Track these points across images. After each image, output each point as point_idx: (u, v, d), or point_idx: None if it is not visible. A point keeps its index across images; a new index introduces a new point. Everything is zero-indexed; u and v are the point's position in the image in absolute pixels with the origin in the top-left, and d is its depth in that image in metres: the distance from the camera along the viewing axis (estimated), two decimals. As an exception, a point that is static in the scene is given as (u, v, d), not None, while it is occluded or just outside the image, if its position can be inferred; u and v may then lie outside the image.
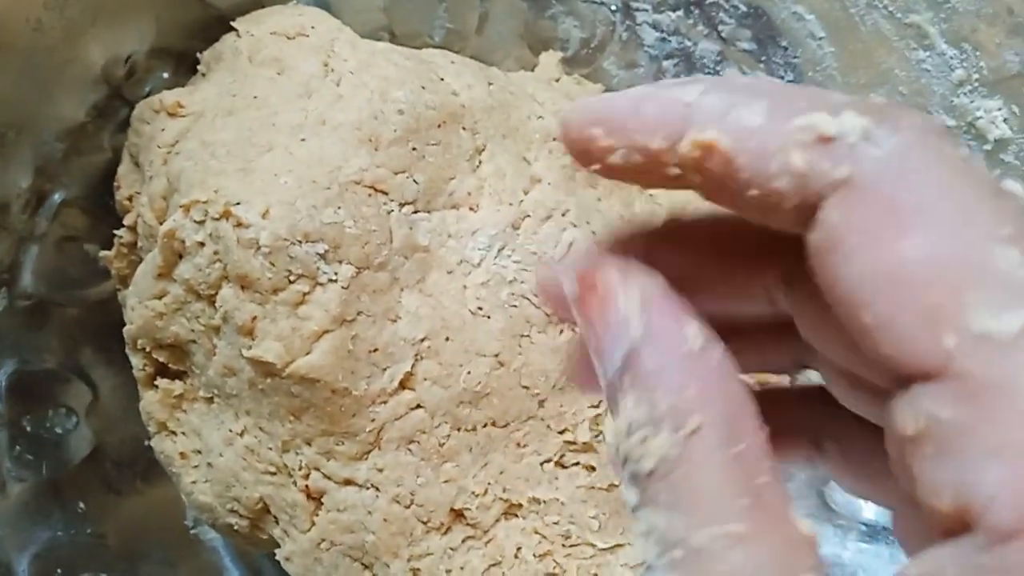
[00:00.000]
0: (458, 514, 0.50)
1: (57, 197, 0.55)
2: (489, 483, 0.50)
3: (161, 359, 0.51)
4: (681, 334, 0.21)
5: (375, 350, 0.46)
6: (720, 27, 0.59)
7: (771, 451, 0.20)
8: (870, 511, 0.61)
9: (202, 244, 0.45)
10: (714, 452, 0.20)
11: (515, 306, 0.49)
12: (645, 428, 0.20)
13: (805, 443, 0.30)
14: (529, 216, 0.50)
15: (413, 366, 0.47)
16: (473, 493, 0.49)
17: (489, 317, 0.48)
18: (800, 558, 0.19)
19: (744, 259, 0.25)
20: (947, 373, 0.18)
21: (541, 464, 0.51)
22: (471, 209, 0.49)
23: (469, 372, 0.48)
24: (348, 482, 0.48)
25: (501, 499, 0.50)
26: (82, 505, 0.56)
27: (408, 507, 0.48)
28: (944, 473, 0.18)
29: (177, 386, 0.51)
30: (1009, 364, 0.17)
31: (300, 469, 0.48)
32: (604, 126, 0.23)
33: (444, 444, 0.48)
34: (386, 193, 0.47)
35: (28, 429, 0.55)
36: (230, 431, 0.49)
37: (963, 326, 0.18)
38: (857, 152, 0.19)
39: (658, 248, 0.25)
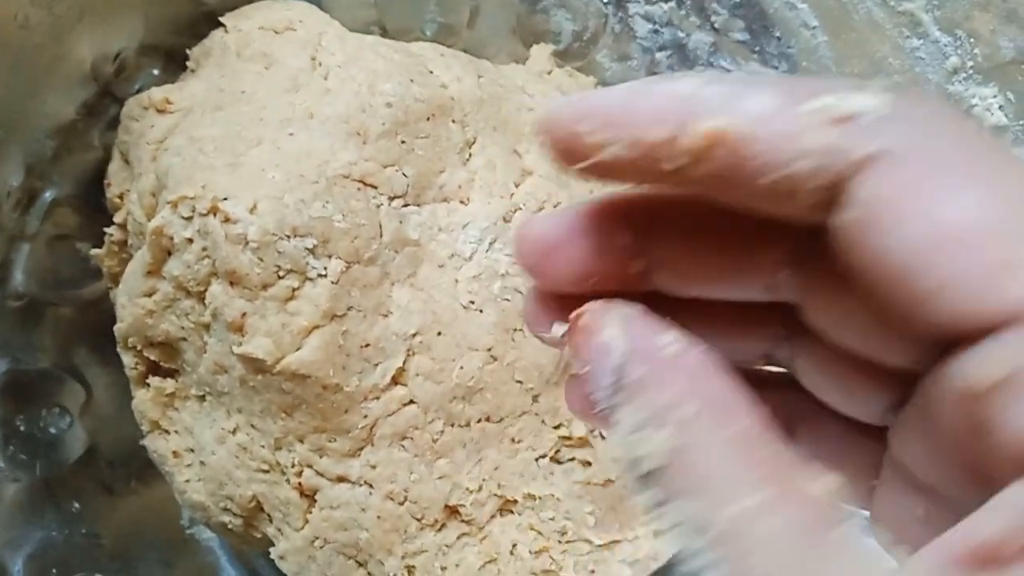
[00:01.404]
0: (453, 511, 0.49)
1: (48, 195, 0.55)
2: (484, 479, 0.49)
3: (152, 357, 0.50)
4: (657, 345, 0.22)
5: (366, 345, 0.46)
6: (713, 18, 0.59)
7: (775, 425, 0.21)
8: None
9: (190, 240, 0.45)
10: (712, 436, 0.21)
11: (507, 299, 0.49)
12: (646, 430, 0.21)
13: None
14: (520, 208, 0.49)
15: (405, 361, 0.46)
16: (467, 489, 0.49)
17: (481, 311, 0.48)
18: (820, 518, 0.20)
19: (748, 242, 0.25)
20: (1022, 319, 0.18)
21: (536, 460, 0.51)
22: (462, 202, 0.49)
23: (462, 367, 0.47)
24: (341, 479, 0.47)
25: (496, 495, 0.50)
26: (77, 505, 0.56)
27: (402, 504, 0.48)
28: None
29: (169, 384, 0.51)
30: None
31: (293, 466, 0.48)
32: (593, 121, 0.22)
33: (437, 440, 0.48)
34: (375, 187, 0.46)
35: (22, 429, 0.55)
36: (222, 429, 0.49)
37: None
38: (881, 127, 0.20)
39: (658, 227, 0.26)
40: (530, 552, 0.50)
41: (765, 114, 0.20)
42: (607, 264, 0.26)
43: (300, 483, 0.48)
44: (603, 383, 0.23)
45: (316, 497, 0.48)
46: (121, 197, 0.54)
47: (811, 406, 0.28)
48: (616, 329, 0.23)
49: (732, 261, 0.26)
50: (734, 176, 0.21)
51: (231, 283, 0.44)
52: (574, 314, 0.25)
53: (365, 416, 0.46)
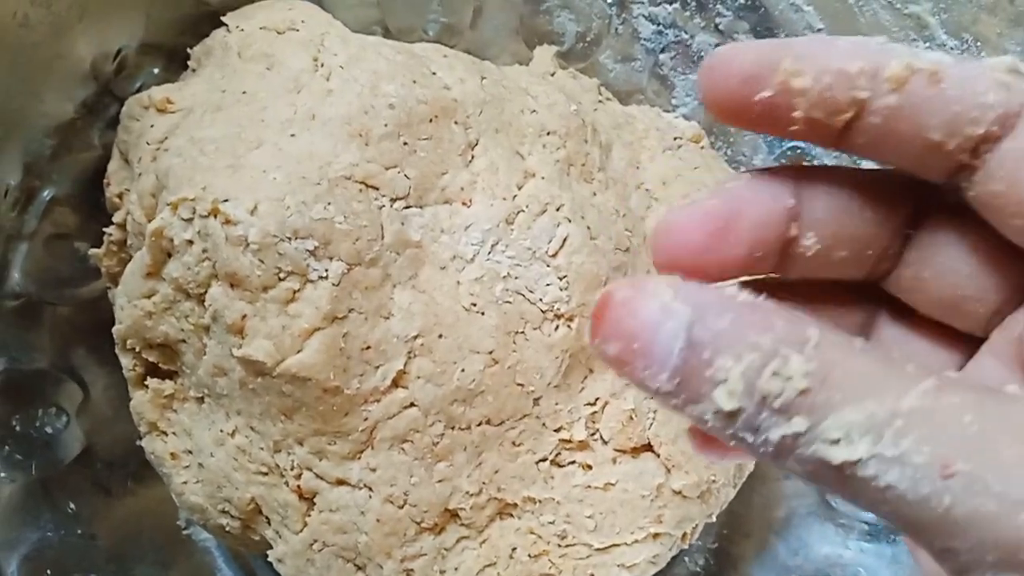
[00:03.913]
0: (452, 514, 0.49)
1: (47, 194, 0.54)
2: (483, 482, 0.49)
3: (151, 359, 0.50)
4: (728, 294, 0.22)
5: (367, 348, 0.45)
6: (717, 19, 0.59)
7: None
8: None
9: (190, 242, 0.45)
10: (844, 349, 0.22)
11: (509, 302, 0.48)
12: (770, 365, 0.21)
13: None
14: (523, 211, 0.49)
15: (406, 364, 0.46)
16: (467, 493, 0.49)
17: (483, 313, 0.48)
18: (981, 388, 0.22)
19: (880, 204, 0.28)
20: None
21: (536, 463, 0.51)
22: (464, 204, 0.49)
23: (463, 370, 0.47)
24: (341, 482, 0.47)
25: (495, 499, 0.50)
26: (72, 506, 0.56)
27: (401, 507, 0.47)
28: None
29: (168, 386, 0.51)
30: None
31: (292, 469, 0.47)
32: (793, 54, 0.25)
33: (438, 443, 0.47)
34: (377, 188, 0.46)
35: (18, 429, 0.54)
36: (221, 431, 0.49)
37: None
38: None
39: (806, 189, 0.28)
40: (529, 556, 0.50)
41: (951, 61, 0.24)
42: (772, 230, 0.28)
43: (299, 486, 0.47)
44: (667, 354, 0.22)
45: (315, 500, 0.48)
46: (120, 197, 0.53)
47: None
48: (667, 293, 0.22)
49: (869, 217, 0.28)
50: (913, 114, 0.24)
51: (231, 285, 0.44)
52: (602, 292, 0.24)
53: (365, 419, 0.46)
